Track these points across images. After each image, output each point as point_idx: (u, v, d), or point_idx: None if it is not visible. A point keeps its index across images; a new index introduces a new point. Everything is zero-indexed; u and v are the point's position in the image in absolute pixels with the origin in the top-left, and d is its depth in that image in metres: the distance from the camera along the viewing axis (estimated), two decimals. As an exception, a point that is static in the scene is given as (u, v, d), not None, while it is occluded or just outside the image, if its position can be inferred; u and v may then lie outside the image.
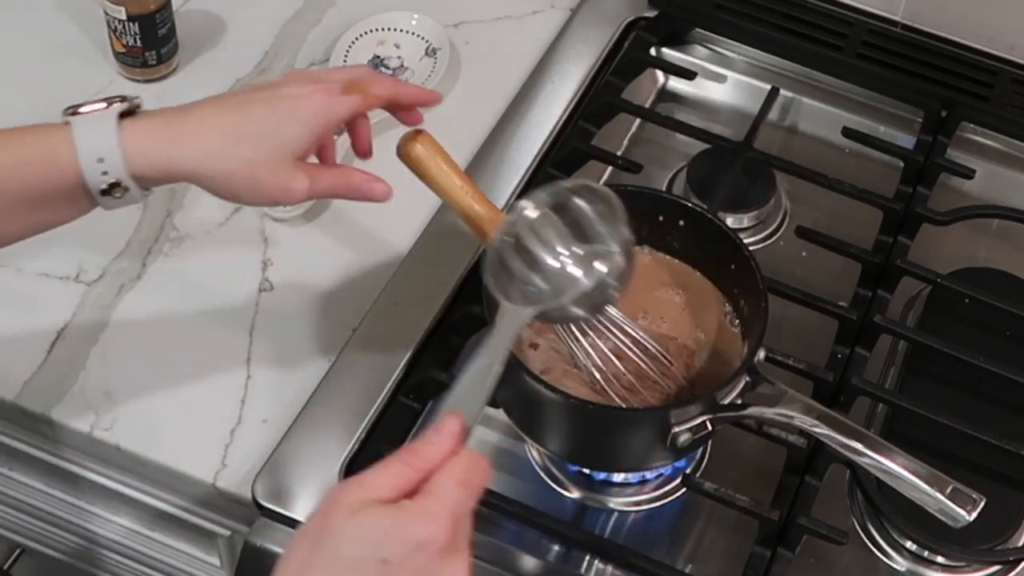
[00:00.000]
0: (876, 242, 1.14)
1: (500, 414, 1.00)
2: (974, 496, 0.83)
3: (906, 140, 1.23)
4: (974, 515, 0.83)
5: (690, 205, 0.99)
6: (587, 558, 0.96)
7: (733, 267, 0.96)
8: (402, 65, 1.23)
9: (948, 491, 0.83)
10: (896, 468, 0.85)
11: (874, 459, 0.85)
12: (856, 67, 1.25)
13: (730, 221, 1.13)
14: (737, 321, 0.97)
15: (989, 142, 1.24)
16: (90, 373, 1.02)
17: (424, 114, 1.20)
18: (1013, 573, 0.97)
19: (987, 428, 1.00)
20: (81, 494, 1.11)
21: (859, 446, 0.86)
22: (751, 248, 0.96)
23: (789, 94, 1.26)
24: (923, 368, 1.06)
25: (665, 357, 0.94)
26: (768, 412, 0.89)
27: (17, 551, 1.25)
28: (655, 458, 0.93)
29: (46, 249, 1.09)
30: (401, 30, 1.25)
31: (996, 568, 0.98)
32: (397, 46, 1.24)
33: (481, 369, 0.77)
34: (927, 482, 0.84)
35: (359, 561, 0.67)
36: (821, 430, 0.88)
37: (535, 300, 0.84)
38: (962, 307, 1.09)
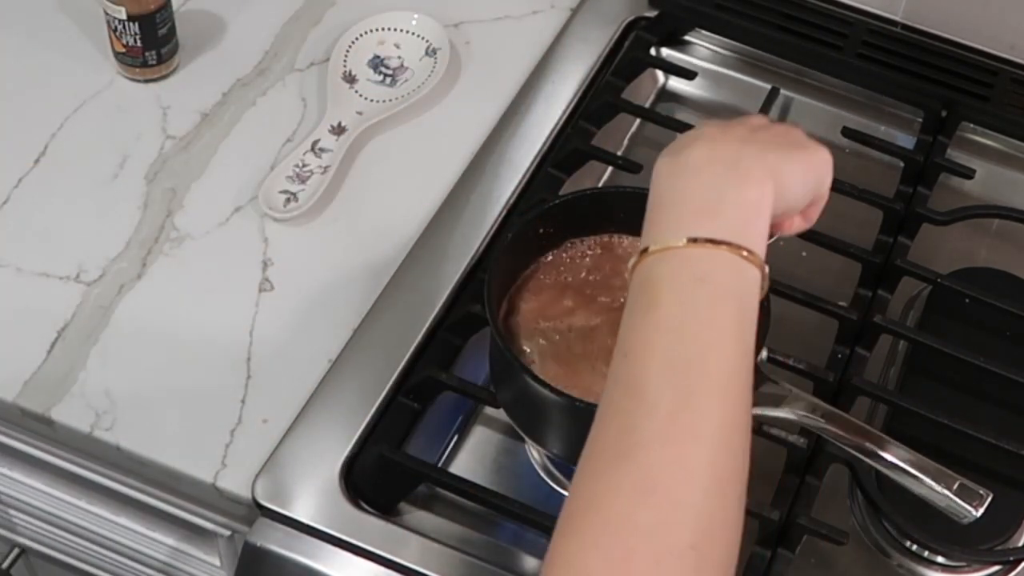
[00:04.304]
0: (876, 242, 1.14)
1: (500, 414, 1.00)
2: (981, 492, 0.83)
3: (906, 140, 1.23)
4: (981, 511, 0.83)
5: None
6: (587, 558, 0.96)
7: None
8: (402, 65, 1.23)
9: (955, 487, 0.83)
10: (902, 465, 0.85)
11: (880, 456, 0.85)
12: (856, 67, 1.25)
13: (730, 221, 1.13)
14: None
15: (989, 142, 1.24)
16: (90, 373, 1.02)
17: (425, 114, 1.21)
18: (1013, 573, 0.97)
19: (987, 428, 1.00)
20: (81, 494, 1.11)
21: (865, 443, 0.85)
22: (751, 248, 0.96)
23: (789, 94, 1.26)
24: (923, 368, 1.06)
25: None
26: (773, 411, 0.89)
27: (17, 551, 1.25)
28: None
29: (46, 249, 1.09)
30: (401, 30, 1.25)
31: (996, 568, 0.98)
32: (397, 46, 1.24)
33: None
34: (934, 478, 0.84)
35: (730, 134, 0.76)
36: (827, 428, 0.88)
37: None
38: (962, 307, 1.09)
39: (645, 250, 0.73)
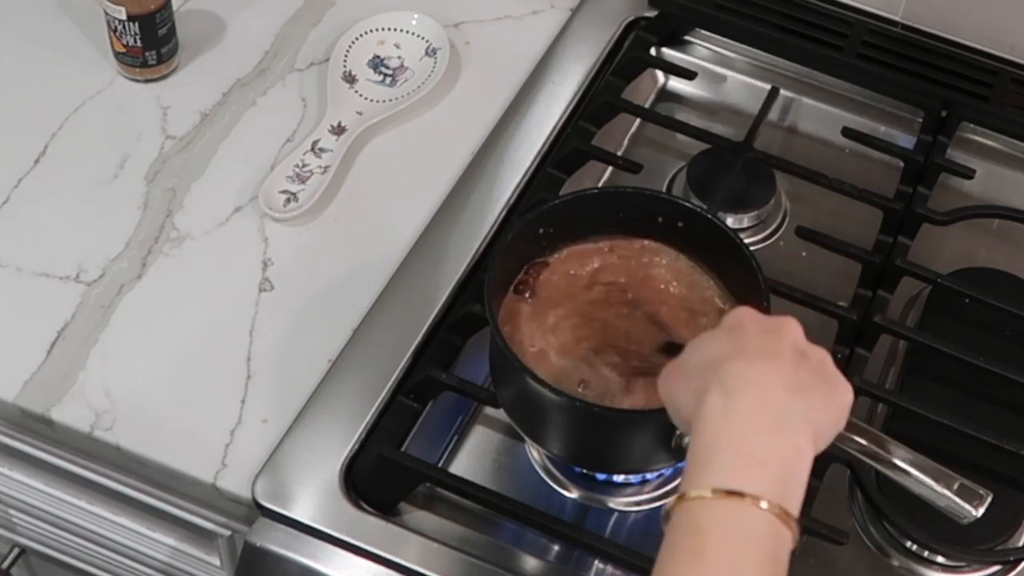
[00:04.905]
0: (876, 242, 1.14)
1: (500, 414, 1.00)
2: (981, 492, 0.83)
3: (906, 140, 1.23)
4: (981, 511, 0.83)
5: (690, 205, 0.99)
6: (587, 558, 0.96)
7: (734, 267, 0.96)
8: (402, 65, 1.23)
9: (955, 487, 0.83)
10: (902, 465, 0.85)
11: (880, 456, 0.85)
12: (856, 67, 1.24)
13: (730, 221, 1.13)
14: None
15: (989, 142, 1.24)
16: (90, 373, 1.02)
17: (425, 114, 1.21)
18: (1013, 573, 0.97)
19: (987, 428, 1.00)
20: (81, 494, 1.11)
21: (864, 443, 0.86)
22: (751, 248, 0.96)
23: (789, 94, 1.26)
24: (923, 368, 1.06)
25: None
26: None
27: (17, 551, 1.25)
28: (659, 459, 0.93)
29: (46, 249, 1.09)
30: (401, 30, 1.25)
31: (996, 568, 0.98)
32: (397, 46, 1.24)
33: None
34: (934, 478, 0.84)
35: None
36: None
37: None
38: (962, 307, 1.09)
39: (684, 493, 0.74)
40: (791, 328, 0.81)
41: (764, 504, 0.73)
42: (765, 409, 0.76)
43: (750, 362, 0.78)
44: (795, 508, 0.75)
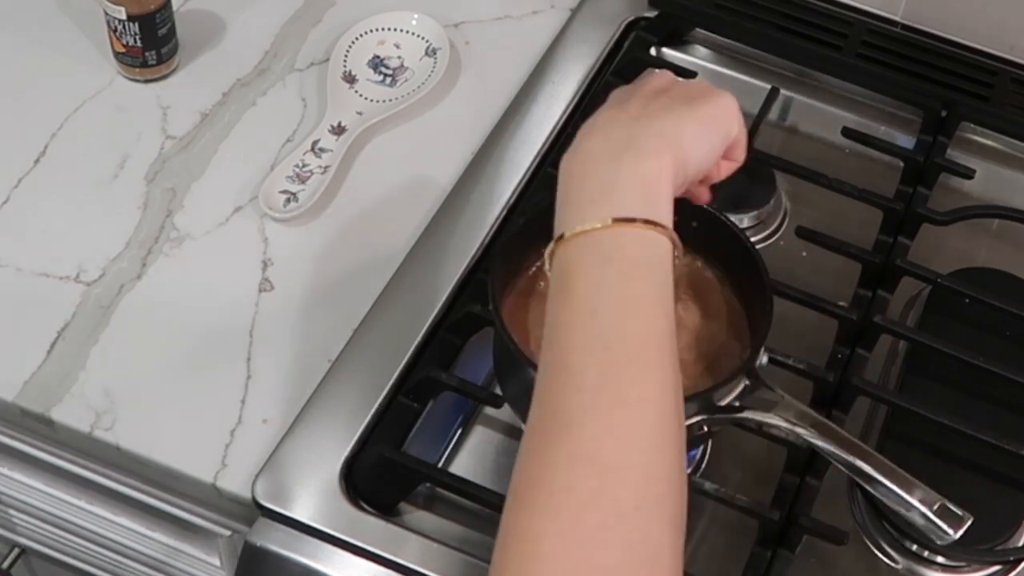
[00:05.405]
0: (876, 242, 1.14)
1: (500, 414, 1.00)
2: (960, 513, 0.83)
3: (906, 140, 1.23)
4: (959, 534, 0.83)
5: (696, 205, 0.99)
6: (587, 558, 0.96)
7: (737, 267, 0.96)
8: (402, 65, 1.23)
9: (936, 507, 0.83)
10: (885, 481, 0.85)
11: (863, 471, 0.85)
12: (856, 67, 1.25)
13: (730, 221, 1.13)
14: (740, 322, 0.97)
15: (989, 142, 1.24)
16: (90, 373, 1.02)
17: (425, 114, 1.21)
18: (1013, 573, 0.97)
19: (987, 428, 0.99)
20: (81, 494, 1.11)
21: (849, 457, 0.86)
22: (751, 248, 0.96)
23: (789, 94, 1.26)
24: (923, 368, 1.06)
25: None
26: (763, 417, 0.89)
27: (17, 551, 1.25)
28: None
29: (46, 249, 1.09)
30: (401, 30, 1.25)
31: (996, 568, 0.98)
32: (397, 46, 1.24)
33: None
34: (916, 498, 0.84)
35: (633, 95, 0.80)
36: (813, 439, 0.88)
37: None
38: (962, 307, 1.09)
39: (560, 238, 0.75)
40: (653, 78, 0.82)
41: (620, 222, 0.73)
42: (608, 144, 0.77)
43: (595, 117, 0.79)
44: (661, 218, 0.75)
